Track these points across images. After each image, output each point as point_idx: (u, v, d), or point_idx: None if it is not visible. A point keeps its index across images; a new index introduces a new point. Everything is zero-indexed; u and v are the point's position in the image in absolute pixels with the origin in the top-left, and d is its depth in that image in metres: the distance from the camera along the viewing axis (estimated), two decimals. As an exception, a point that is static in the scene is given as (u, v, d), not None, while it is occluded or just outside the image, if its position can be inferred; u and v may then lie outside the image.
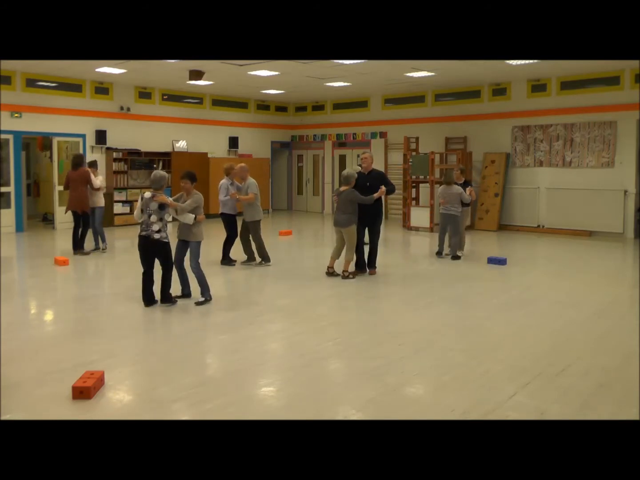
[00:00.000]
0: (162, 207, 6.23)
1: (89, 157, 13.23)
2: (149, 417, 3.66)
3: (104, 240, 10.06)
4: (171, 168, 14.74)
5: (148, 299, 6.36)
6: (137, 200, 13.98)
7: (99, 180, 10.07)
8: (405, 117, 15.82)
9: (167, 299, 6.41)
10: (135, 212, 6.42)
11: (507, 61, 11.07)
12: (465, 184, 9.84)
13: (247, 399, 4.02)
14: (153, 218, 6.20)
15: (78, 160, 10.04)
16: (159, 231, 6.21)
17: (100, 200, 10.06)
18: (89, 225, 9.96)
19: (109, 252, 10.14)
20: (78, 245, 9.80)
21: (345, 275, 7.93)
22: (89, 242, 10.07)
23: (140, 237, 6.29)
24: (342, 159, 17.56)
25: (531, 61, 10.94)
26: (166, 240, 6.30)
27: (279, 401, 4.06)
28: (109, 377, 4.25)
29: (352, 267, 8.10)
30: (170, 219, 6.49)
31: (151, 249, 6.29)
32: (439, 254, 9.80)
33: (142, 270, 6.35)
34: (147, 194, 6.29)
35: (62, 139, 13.71)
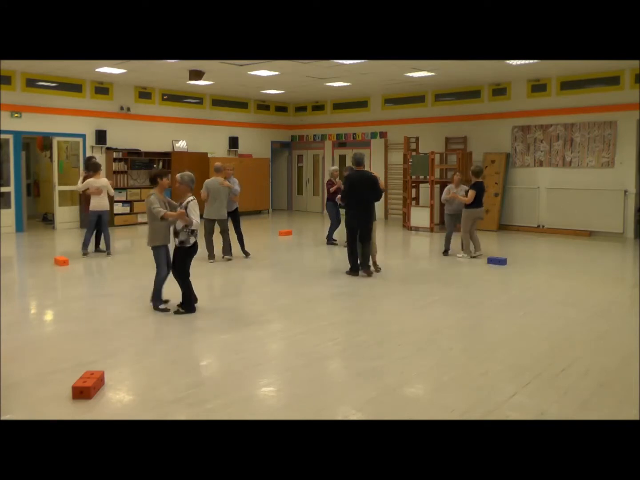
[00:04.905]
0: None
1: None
2: (149, 417, 3.66)
3: (84, 247, 9.69)
4: (171, 168, 14.74)
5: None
6: (136, 200, 14.19)
7: (83, 183, 9.77)
8: (405, 117, 15.82)
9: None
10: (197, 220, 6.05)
11: (507, 61, 11.07)
12: (472, 186, 9.77)
13: (247, 399, 4.02)
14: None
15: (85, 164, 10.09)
16: None
17: (89, 204, 9.73)
18: (88, 228, 9.85)
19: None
20: (96, 244, 9.99)
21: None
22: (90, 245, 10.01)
23: (196, 243, 6.22)
24: (342, 159, 17.55)
25: (531, 61, 10.94)
26: None
27: (279, 401, 4.06)
28: (109, 377, 4.25)
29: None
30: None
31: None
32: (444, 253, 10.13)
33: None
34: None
35: (62, 139, 13.72)
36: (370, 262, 8.32)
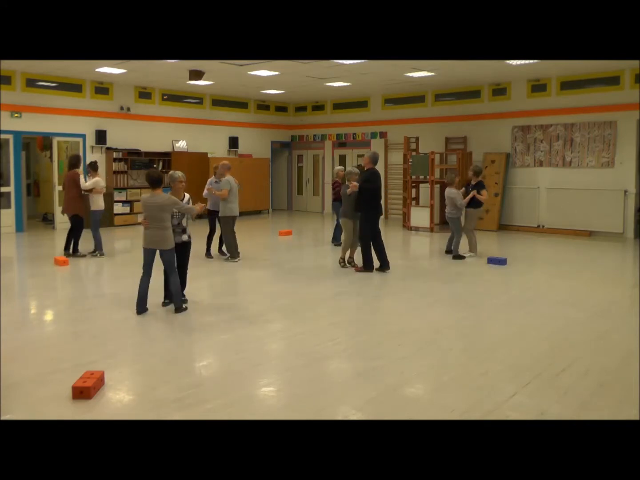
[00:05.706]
0: None
1: (89, 158, 13.22)
2: (149, 417, 3.66)
3: (99, 247, 9.67)
4: (171, 168, 14.73)
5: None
6: (136, 200, 14.18)
7: (89, 182, 9.66)
8: (405, 117, 15.82)
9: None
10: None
11: (507, 61, 11.07)
12: (477, 186, 9.78)
13: (247, 399, 4.02)
14: None
15: (73, 161, 9.88)
16: None
17: (94, 204, 9.68)
18: (78, 229, 9.66)
19: (109, 252, 10.10)
20: (65, 247, 9.66)
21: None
22: (86, 245, 9.99)
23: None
24: (342, 159, 17.55)
25: (531, 61, 10.94)
26: None
27: (279, 401, 4.06)
28: (109, 377, 4.25)
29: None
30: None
31: None
32: (446, 252, 10.18)
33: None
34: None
35: (62, 139, 13.71)
36: (347, 256, 8.84)
